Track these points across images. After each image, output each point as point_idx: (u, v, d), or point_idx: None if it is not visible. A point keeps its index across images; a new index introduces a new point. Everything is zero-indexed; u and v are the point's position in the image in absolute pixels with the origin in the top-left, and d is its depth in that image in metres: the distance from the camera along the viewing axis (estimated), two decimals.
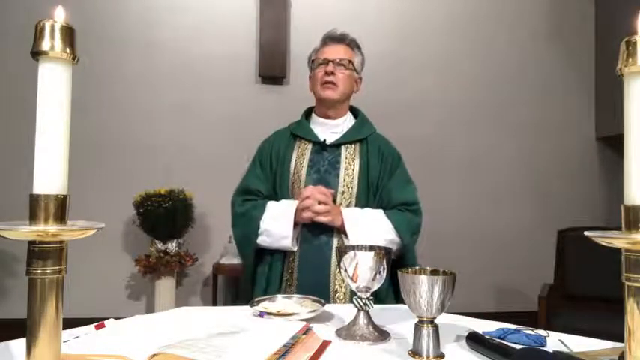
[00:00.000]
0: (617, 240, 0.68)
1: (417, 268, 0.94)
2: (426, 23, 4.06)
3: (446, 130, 4.04)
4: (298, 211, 1.51)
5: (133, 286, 3.71)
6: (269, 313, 1.09)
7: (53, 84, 0.65)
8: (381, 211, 1.59)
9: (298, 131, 1.70)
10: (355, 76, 1.70)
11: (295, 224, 1.53)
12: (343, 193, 1.59)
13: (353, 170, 1.61)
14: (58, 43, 0.64)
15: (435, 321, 0.86)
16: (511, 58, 4.13)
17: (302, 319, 1.04)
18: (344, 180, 1.60)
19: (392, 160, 1.67)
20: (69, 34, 0.65)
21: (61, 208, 0.64)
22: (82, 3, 3.56)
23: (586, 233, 0.72)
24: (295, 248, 1.55)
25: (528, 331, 0.95)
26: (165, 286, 3.38)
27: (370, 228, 1.53)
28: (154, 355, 0.75)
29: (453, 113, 4.06)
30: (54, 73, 0.65)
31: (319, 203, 1.50)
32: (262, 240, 1.56)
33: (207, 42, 3.81)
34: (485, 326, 1.01)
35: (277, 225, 1.53)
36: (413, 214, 1.62)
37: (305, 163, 1.62)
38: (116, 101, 3.71)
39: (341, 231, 1.55)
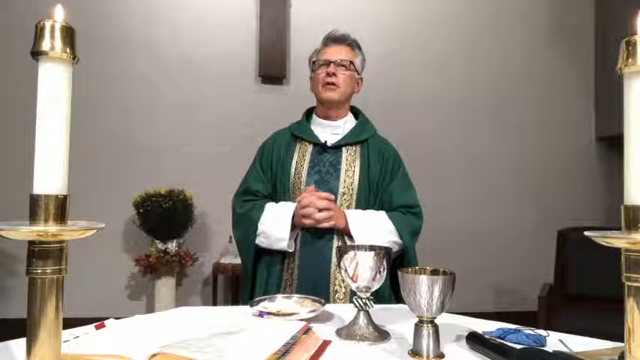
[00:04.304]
0: (617, 240, 0.68)
1: (417, 268, 0.94)
2: (426, 23, 4.06)
3: (446, 130, 4.04)
4: (298, 216, 1.51)
5: (133, 286, 3.71)
6: (269, 313, 1.09)
7: (53, 84, 0.65)
8: (383, 213, 1.59)
9: (299, 132, 1.70)
10: (356, 77, 1.69)
11: (294, 226, 1.53)
12: (344, 194, 1.59)
13: (353, 172, 1.61)
14: (58, 43, 0.64)
15: (435, 321, 0.86)
16: (511, 58, 4.13)
17: (302, 319, 1.04)
18: (344, 181, 1.60)
19: (393, 161, 1.67)
20: (69, 34, 0.65)
21: (61, 208, 0.64)
22: (82, 2, 3.56)
23: (586, 233, 0.72)
24: (291, 250, 1.55)
25: (528, 331, 0.95)
26: (166, 286, 3.39)
27: (374, 229, 1.53)
28: (154, 355, 0.75)
29: (452, 113, 4.06)
30: (54, 73, 0.65)
31: (320, 210, 1.49)
32: (260, 241, 1.57)
33: (208, 42, 3.81)
34: (486, 326, 1.01)
35: (275, 227, 1.53)
36: (414, 217, 1.62)
37: (306, 165, 1.62)
38: (116, 101, 3.71)
39: (342, 232, 1.55)
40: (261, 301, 1.19)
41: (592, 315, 2.72)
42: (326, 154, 1.64)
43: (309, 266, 1.53)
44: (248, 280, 1.63)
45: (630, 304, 0.69)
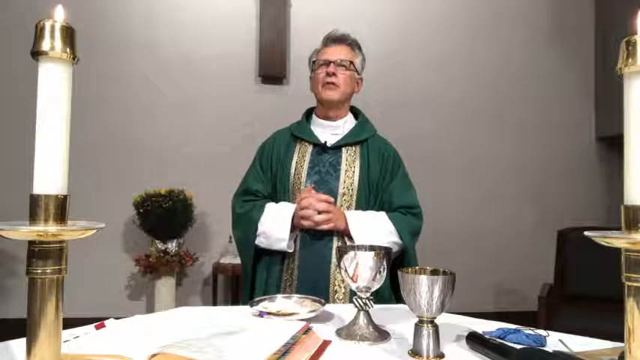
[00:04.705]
0: (617, 240, 0.68)
1: (417, 268, 0.94)
2: (426, 23, 4.06)
3: (446, 130, 4.04)
4: (297, 217, 1.51)
5: (133, 286, 3.71)
6: (269, 313, 1.09)
7: (53, 84, 0.65)
8: (383, 213, 1.59)
9: (299, 132, 1.70)
10: (356, 77, 1.69)
11: (294, 227, 1.53)
12: (343, 194, 1.59)
13: (353, 172, 1.61)
14: (58, 43, 0.64)
15: (435, 321, 0.86)
16: (511, 58, 4.13)
17: (302, 319, 1.04)
18: (344, 181, 1.60)
19: (392, 162, 1.67)
20: (69, 34, 0.65)
21: (61, 208, 0.64)
22: (82, 3, 3.56)
23: (586, 233, 0.72)
24: (291, 250, 1.55)
25: (528, 331, 0.95)
26: (166, 286, 3.39)
27: (374, 230, 1.53)
28: (154, 355, 0.75)
29: (453, 113, 4.06)
30: (54, 73, 0.65)
31: (320, 212, 1.49)
32: (260, 241, 1.57)
33: (208, 42, 3.81)
34: (486, 326, 1.01)
35: (275, 228, 1.53)
36: (414, 217, 1.62)
37: (305, 165, 1.62)
38: (116, 101, 3.71)
39: (342, 233, 1.55)
40: (261, 301, 1.19)
41: (592, 315, 2.72)
42: (326, 154, 1.64)
43: (309, 266, 1.53)
44: (248, 280, 1.63)
45: (630, 304, 0.69)
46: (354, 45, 1.69)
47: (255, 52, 3.84)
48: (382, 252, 0.99)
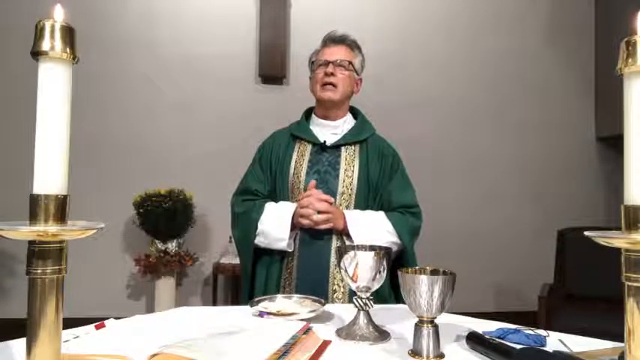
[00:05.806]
0: (617, 240, 0.68)
1: (417, 268, 0.94)
2: (426, 23, 4.06)
3: (446, 130, 4.04)
4: (297, 216, 1.52)
5: (133, 286, 3.71)
6: (269, 313, 1.09)
7: (53, 84, 0.65)
8: (382, 213, 1.59)
9: (298, 132, 1.70)
10: (355, 78, 1.69)
11: (294, 226, 1.53)
12: (342, 194, 1.59)
13: (352, 171, 1.61)
14: (58, 43, 0.64)
15: (435, 321, 0.86)
16: (511, 58, 4.13)
17: (302, 319, 1.04)
18: (343, 181, 1.60)
19: (392, 161, 1.67)
20: (69, 34, 0.65)
21: (61, 208, 0.64)
22: (82, 2, 3.56)
23: (586, 233, 0.72)
24: (291, 249, 1.55)
25: (528, 331, 0.95)
26: (166, 286, 3.39)
27: (372, 230, 1.53)
28: (154, 355, 0.75)
29: (452, 113, 4.06)
30: (54, 73, 0.65)
31: (319, 212, 1.49)
32: (260, 241, 1.57)
33: (208, 42, 3.81)
34: (486, 326, 1.01)
35: (274, 228, 1.54)
36: (413, 217, 1.62)
37: (305, 164, 1.63)
38: (116, 101, 3.71)
39: (341, 232, 1.55)
40: (261, 301, 1.19)
41: (592, 315, 2.72)
42: (325, 153, 1.64)
43: (308, 266, 1.53)
44: (247, 279, 1.63)
45: (630, 304, 0.69)
46: (353, 45, 1.69)
47: (255, 52, 3.84)
48: (382, 252, 0.99)
